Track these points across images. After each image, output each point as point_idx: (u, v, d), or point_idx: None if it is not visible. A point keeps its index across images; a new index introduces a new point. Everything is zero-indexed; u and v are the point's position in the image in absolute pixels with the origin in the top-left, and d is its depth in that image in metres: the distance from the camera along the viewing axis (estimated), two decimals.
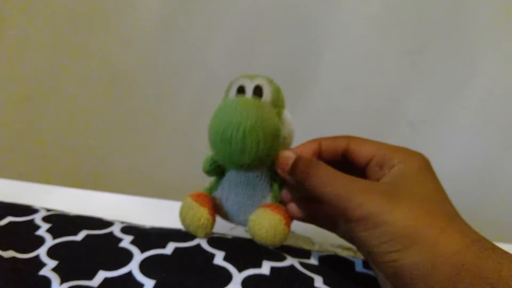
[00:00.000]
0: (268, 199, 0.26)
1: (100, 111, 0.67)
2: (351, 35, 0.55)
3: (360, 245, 0.22)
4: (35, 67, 0.66)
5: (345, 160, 0.26)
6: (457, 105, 0.55)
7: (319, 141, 0.27)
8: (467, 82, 0.53)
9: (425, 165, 0.23)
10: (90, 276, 0.23)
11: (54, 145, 0.71)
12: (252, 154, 0.21)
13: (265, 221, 0.24)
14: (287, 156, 0.25)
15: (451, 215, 0.21)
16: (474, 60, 0.52)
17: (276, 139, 0.22)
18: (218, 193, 0.27)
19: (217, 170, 0.27)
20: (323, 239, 0.33)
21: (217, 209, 0.27)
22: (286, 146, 0.25)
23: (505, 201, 0.57)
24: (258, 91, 0.23)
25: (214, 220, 0.27)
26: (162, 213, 0.37)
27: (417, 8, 0.52)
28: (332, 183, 0.22)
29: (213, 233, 0.29)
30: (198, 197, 0.26)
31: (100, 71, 0.64)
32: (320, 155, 0.26)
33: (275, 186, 0.26)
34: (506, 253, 0.19)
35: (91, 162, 0.71)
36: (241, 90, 0.24)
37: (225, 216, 0.27)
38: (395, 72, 0.55)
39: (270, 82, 0.24)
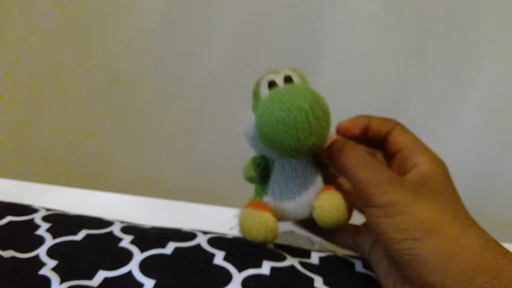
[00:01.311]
0: (319, 183, 0.26)
1: (100, 111, 0.67)
2: (352, 34, 0.55)
3: (378, 232, 0.22)
4: (35, 67, 0.66)
5: (379, 141, 0.27)
6: (457, 105, 0.55)
7: (369, 118, 0.27)
8: (468, 82, 0.53)
9: (446, 172, 0.24)
10: (90, 276, 0.23)
11: (54, 145, 0.71)
12: (318, 132, 0.21)
13: (332, 202, 0.24)
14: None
15: (471, 219, 0.22)
16: (474, 60, 0.52)
17: (329, 116, 0.23)
18: (268, 196, 0.26)
19: (263, 173, 0.26)
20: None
21: (273, 212, 0.26)
22: None
23: (505, 201, 0.57)
24: (288, 79, 0.24)
25: (276, 218, 0.26)
26: (162, 213, 0.37)
27: (418, 7, 0.52)
28: (363, 168, 0.23)
29: (213, 233, 0.29)
30: (254, 205, 0.25)
31: (100, 71, 0.64)
32: (367, 132, 0.27)
33: (320, 169, 0.26)
34: None
35: (91, 162, 0.71)
36: (272, 84, 0.24)
37: (283, 216, 0.26)
38: (395, 72, 0.55)
39: (295, 70, 0.25)
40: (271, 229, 0.24)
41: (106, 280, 0.23)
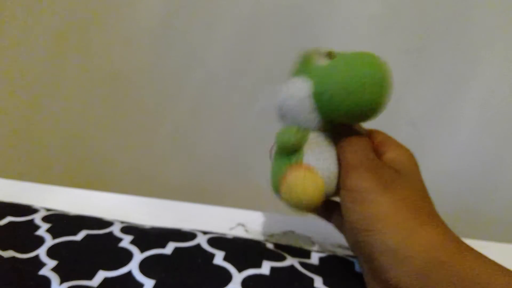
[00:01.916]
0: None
1: (100, 111, 0.67)
2: (352, 34, 0.55)
3: (345, 216, 0.23)
4: (35, 67, 0.66)
5: None
6: (457, 104, 0.55)
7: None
8: (468, 81, 0.53)
9: (415, 162, 0.25)
10: (90, 276, 0.23)
11: (54, 145, 0.71)
12: (389, 92, 0.22)
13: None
14: None
15: (432, 214, 0.22)
16: (475, 59, 0.52)
17: None
18: (306, 162, 0.25)
19: (302, 141, 0.25)
20: (323, 239, 0.33)
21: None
22: None
23: (506, 201, 0.57)
24: (330, 54, 0.25)
25: None
26: (162, 213, 0.37)
27: (418, 7, 0.52)
28: (357, 151, 0.24)
29: (213, 233, 0.29)
30: (302, 167, 0.24)
31: (100, 71, 0.64)
32: None
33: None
34: (480, 254, 0.20)
35: (91, 162, 0.71)
36: (331, 55, 0.25)
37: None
38: (395, 71, 0.55)
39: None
40: (322, 187, 0.24)
41: (106, 280, 0.23)
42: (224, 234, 0.29)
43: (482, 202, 0.58)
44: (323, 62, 0.24)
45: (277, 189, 0.25)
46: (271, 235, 0.34)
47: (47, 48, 0.65)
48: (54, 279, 0.23)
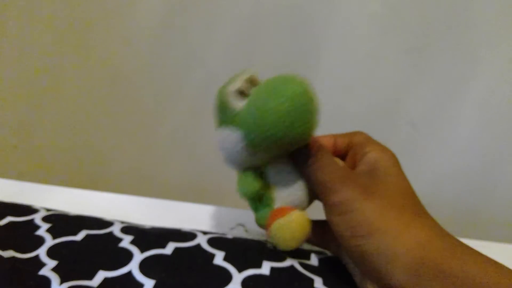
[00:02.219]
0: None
1: (100, 111, 0.67)
2: (352, 34, 0.55)
3: (333, 229, 0.23)
4: (35, 67, 0.66)
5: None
6: (457, 105, 0.55)
7: (334, 136, 0.28)
8: (468, 81, 0.53)
9: (396, 160, 0.25)
10: (90, 276, 0.23)
11: (54, 145, 0.71)
12: (316, 119, 0.22)
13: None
14: None
15: (419, 211, 0.22)
16: (475, 59, 0.52)
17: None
18: (278, 202, 0.26)
19: (263, 184, 0.25)
20: None
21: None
22: None
23: (506, 201, 0.57)
24: (253, 78, 0.24)
25: None
26: (162, 213, 0.37)
27: (418, 7, 0.52)
28: (319, 168, 0.24)
29: (213, 233, 0.29)
30: (282, 212, 0.25)
31: (100, 71, 0.64)
32: (334, 149, 0.28)
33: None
34: (470, 249, 0.20)
35: (91, 162, 0.71)
36: (241, 93, 0.24)
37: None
38: (395, 71, 0.55)
39: (247, 71, 0.24)
40: (309, 224, 0.25)
41: (106, 280, 0.23)
42: (224, 234, 0.29)
43: (482, 202, 0.58)
44: (239, 102, 0.23)
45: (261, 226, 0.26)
46: None
47: (47, 48, 0.65)
48: (54, 279, 0.23)
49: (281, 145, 0.22)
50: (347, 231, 0.22)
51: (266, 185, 0.26)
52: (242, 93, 0.23)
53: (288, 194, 0.26)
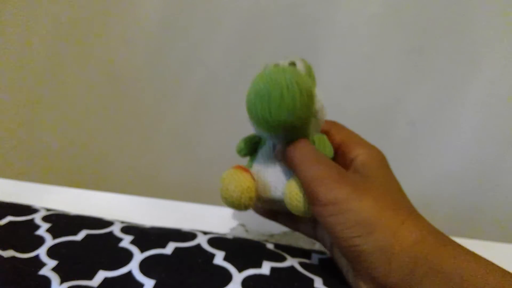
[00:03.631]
0: None
1: (100, 111, 0.67)
2: (352, 34, 0.55)
3: (327, 230, 0.23)
4: (35, 67, 0.66)
5: None
6: (457, 105, 0.55)
7: None
8: (468, 82, 0.53)
9: (384, 161, 0.25)
10: (90, 276, 0.23)
11: (54, 145, 0.71)
12: (289, 110, 0.22)
13: (299, 192, 0.24)
14: None
15: (410, 209, 0.23)
16: (474, 60, 0.52)
17: (311, 99, 0.23)
18: (254, 168, 0.27)
19: (250, 148, 0.28)
20: None
21: (254, 180, 0.26)
22: (319, 120, 0.26)
23: (505, 201, 0.57)
24: (292, 65, 0.25)
25: (256, 188, 0.26)
26: (162, 213, 0.37)
27: (418, 7, 0.52)
28: (311, 163, 0.23)
29: (213, 233, 0.29)
30: (238, 167, 0.26)
31: (100, 71, 0.64)
32: None
33: None
34: (460, 246, 0.20)
35: (91, 162, 0.71)
36: (276, 66, 0.25)
37: (264, 191, 0.27)
38: (395, 72, 0.55)
39: (303, 60, 0.26)
40: (247, 189, 0.25)
41: (106, 280, 0.23)
42: (224, 234, 0.29)
43: (482, 202, 0.58)
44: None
45: None
46: (271, 235, 0.34)
47: (47, 48, 0.65)
48: (54, 279, 0.23)
49: (262, 128, 0.23)
50: (343, 232, 0.21)
51: (253, 154, 0.28)
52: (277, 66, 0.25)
53: (264, 171, 0.26)
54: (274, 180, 0.26)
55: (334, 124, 0.28)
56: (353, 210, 0.21)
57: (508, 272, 0.19)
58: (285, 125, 0.22)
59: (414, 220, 0.21)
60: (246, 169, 0.26)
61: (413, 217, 0.22)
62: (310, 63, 0.26)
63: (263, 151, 0.27)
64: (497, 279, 0.18)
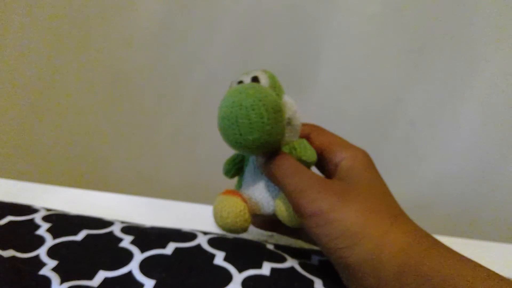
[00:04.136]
0: None
1: (100, 111, 0.67)
2: (352, 34, 0.55)
3: (315, 241, 0.23)
4: (35, 67, 0.66)
5: None
6: (457, 105, 0.55)
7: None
8: (468, 82, 0.53)
9: (369, 163, 0.24)
10: (90, 276, 0.23)
11: (54, 145, 0.71)
12: (259, 128, 0.22)
13: (289, 206, 0.24)
14: None
15: (397, 214, 0.22)
16: (475, 60, 0.52)
17: (279, 114, 0.23)
18: (243, 189, 0.27)
19: (236, 169, 0.28)
20: None
21: (245, 201, 0.27)
22: (294, 128, 0.26)
23: (505, 201, 0.57)
24: (254, 80, 0.25)
25: (249, 209, 0.26)
26: (162, 213, 0.37)
27: (418, 7, 0.52)
28: (292, 176, 0.23)
29: (214, 233, 0.29)
30: (228, 192, 0.27)
31: (100, 71, 0.64)
32: None
33: None
34: (448, 251, 0.20)
35: (91, 162, 0.71)
36: (240, 83, 0.25)
37: (255, 209, 0.27)
38: (395, 72, 0.55)
39: (265, 71, 0.26)
40: (240, 213, 0.25)
41: (106, 280, 0.23)
42: (225, 235, 0.29)
43: (482, 202, 0.58)
44: None
45: None
46: (271, 235, 0.34)
47: (47, 48, 0.65)
48: (54, 279, 0.23)
49: (238, 150, 0.24)
50: (330, 244, 0.21)
51: (239, 175, 0.29)
52: (240, 83, 0.25)
53: (253, 191, 0.27)
54: (265, 196, 0.26)
55: (314, 127, 0.27)
56: (337, 220, 0.21)
57: (494, 273, 0.19)
58: (259, 144, 0.22)
59: (400, 226, 0.21)
60: (235, 192, 0.26)
61: (400, 221, 0.21)
62: (273, 73, 0.26)
63: (249, 168, 0.27)
64: (484, 281, 0.18)
